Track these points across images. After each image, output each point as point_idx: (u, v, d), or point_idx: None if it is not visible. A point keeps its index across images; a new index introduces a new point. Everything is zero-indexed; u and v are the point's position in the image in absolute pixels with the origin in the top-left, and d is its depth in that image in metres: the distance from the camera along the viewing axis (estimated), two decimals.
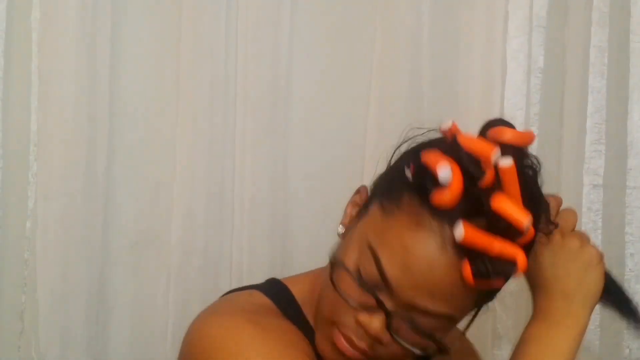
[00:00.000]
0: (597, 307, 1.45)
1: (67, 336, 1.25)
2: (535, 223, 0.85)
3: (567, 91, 1.48)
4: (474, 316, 0.93)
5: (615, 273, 1.49)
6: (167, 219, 1.30)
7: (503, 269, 0.81)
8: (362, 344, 0.87)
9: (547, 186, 1.49)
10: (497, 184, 0.82)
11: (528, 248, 0.85)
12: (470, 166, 0.81)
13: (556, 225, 0.92)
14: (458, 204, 0.81)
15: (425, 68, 1.39)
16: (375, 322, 0.86)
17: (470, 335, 1.27)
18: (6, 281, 1.23)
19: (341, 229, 0.94)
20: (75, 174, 1.23)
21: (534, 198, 0.87)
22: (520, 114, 1.44)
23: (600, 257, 0.94)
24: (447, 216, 0.81)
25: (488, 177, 0.81)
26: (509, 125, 0.87)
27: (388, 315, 0.85)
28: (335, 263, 0.88)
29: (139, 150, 1.28)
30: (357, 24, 1.36)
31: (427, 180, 0.82)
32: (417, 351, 0.87)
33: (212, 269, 1.30)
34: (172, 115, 1.29)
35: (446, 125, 0.87)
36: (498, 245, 0.81)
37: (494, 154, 0.81)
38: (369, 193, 0.94)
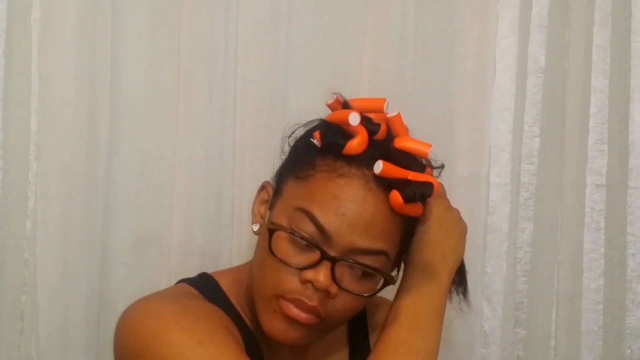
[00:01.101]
0: (601, 309, 1.48)
1: (67, 336, 1.25)
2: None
3: (568, 91, 1.48)
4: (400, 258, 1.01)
5: (617, 273, 1.51)
6: (167, 219, 1.30)
7: (424, 190, 0.92)
8: (313, 302, 0.91)
9: (549, 186, 1.50)
10: (391, 134, 0.97)
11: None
12: (368, 122, 0.94)
13: (442, 167, 1.05)
14: (367, 151, 0.92)
15: (415, 68, 1.39)
16: (321, 275, 0.91)
17: (458, 334, 1.29)
18: (6, 281, 1.22)
19: (256, 227, 1.01)
20: (75, 174, 1.23)
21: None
22: (509, 114, 1.43)
23: (466, 230, 1.07)
24: (362, 160, 0.92)
25: (383, 128, 0.95)
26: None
27: (333, 262, 0.91)
28: (272, 229, 0.93)
29: (139, 150, 1.28)
30: (349, 25, 1.36)
31: (337, 136, 0.93)
32: (364, 296, 0.93)
33: (211, 269, 1.29)
34: (172, 115, 1.29)
35: (331, 99, 1.00)
36: (412, 176, 0.92)
37: (386, 103, 0.97)
38: (275, 183, 1.02)
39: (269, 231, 0.94)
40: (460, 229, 1.05)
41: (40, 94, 1.21)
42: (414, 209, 0.93)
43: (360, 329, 1.12)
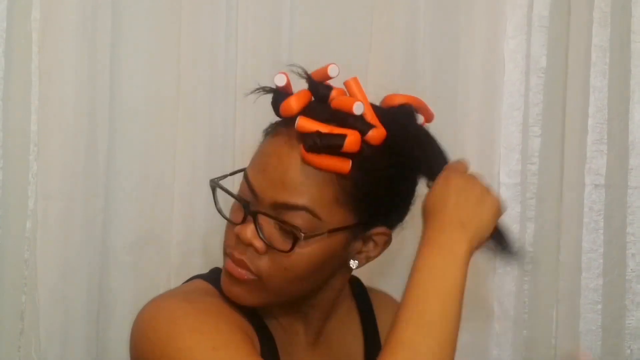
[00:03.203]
0: (600, 308, 1.49)
1: (67, 336, 1.25)
2: (392, 132, 0.95)
3: (568, 91, 1.48)
4: (361, 234, 0.98)
5: (616, 273, 1.51)
6: (167, 219, 1.30)
7: (331, 141, 0.90)
8: (242, 257, 0.94)
9: (550, 186, 1.50)
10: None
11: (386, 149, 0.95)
12: (317, 87, 0.97)
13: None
14: (304, 111, 0.94)
15: (422, 69, 1.39)
16: (247, 230, 0.94)
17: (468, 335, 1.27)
18: (6, 281, 1.23)
19: None
20: (75, 174, 1.23)
21: (394, 118, 0.98)
22: (518, 114, 1.44)
23: (499, 203, 0.98)
24: (295, 120, 0.92)
25: (336, 92, 0.97)
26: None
27: (254, 216, 0.93)
28: (213, 186, 1.00)
29: (139, 150, 1.28)
30: (354, 25, 1.36)
31: (277, 96, 0.98)
32: (285, 251, 0.93)
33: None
34: (172, 115, 1.29)
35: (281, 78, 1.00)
36: (333, 129, 0.91)
37: (330, 68, 0.98)
38: None
39: (211, 188, 1.00)
40: (488, 200, 0.96)
41: (40, 94, 1.22)
42: (332, 163, 0.91)
43: (372, 326, 1.13)
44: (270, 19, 1.31)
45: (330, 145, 0.90)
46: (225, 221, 0.99)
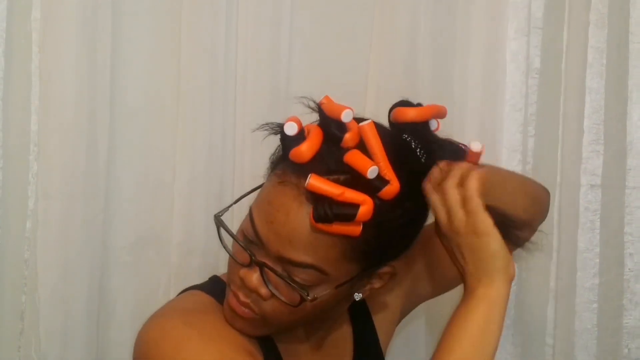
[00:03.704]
0: (597, 308, 1.50)
1: (67, 336, 1.24)
2: (405, 179, 0.89)
3: (564, 92, 1.49)
4: (367, 276, 0.96)
5: (614, 272, 1.51)
6: (167, 219, 1.30)
7: (343, 211, 0.86)
8: (246, 300, 0.93)
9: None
10: (362, 144, 0.90)
11: (399, 202, 0.89)
12: (331, 128, 0.90)
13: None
14: (315, 160, 0.88)
15: (423, 70, 1.39)
16: (253, 276, 0.92)
17: None
18: (6, 281, 1.22)
19: None
20: (75, 174, 1.23)
21: (405, 160, 0.91)
22: (520, 115, 1.45)
23: (491, 226, 0.90)
24: (305, 170, 0.87)
25: (350, 137, 0.89)
26: (411, 105, 0.95)
27: (260, 266, 0.91)
28: (217, 224, 0.96)
29: (139, 150, 1.28)
30: (355, 25, 1.37)
31: (287, 141, 0.90)
32: (292, 305, 0.92)
33: (211, 269, 1.30)
34: (172, 115, 1.29)
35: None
36: (347, 194, 0.86)
37: (344, 113, 0.88)
38: None
39: (216, 224, 0.97)
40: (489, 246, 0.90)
41: (40, 94, 1.21)
42: (342, 229, 0.87)
43: (368, 329, 1.13)
44: (270, 19, 1.31)
45: (341, 215, 0.86)
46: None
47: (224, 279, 1.03)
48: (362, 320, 1.12)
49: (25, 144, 1.22)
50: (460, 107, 1.43)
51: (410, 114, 0.94)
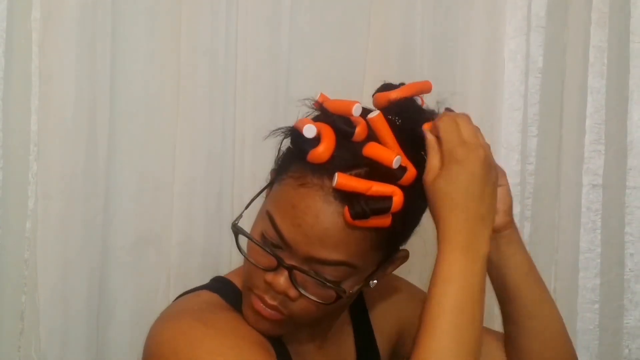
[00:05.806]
0: (597, 308, 1.49)
1: (67, 336, 1.25)
2: (418, 162, 0.90)
3: (566, 91, 1.49)
4: (386, 263, 0.96)
5: (614, 272, 1.51)
6: (167, 219, 1.30)
7: (378, 206, 0.87)
8: (274, 302, 0.93)
9: (547, 186, 1.50)
10: (372, 135, 0.91)
11: (415, 185, 0.90)
12: (340, 124, 0.90)
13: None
14: (334, 158, 0.88)
15: (421, 69, 1.39)
16: (281, 280, 0.91)
17: None
18: (6, 281, 1.23)
19: None
20: (75, 174, 1.23)
21: (414, 140, 0.92)
22: (518, 114, 1.44)
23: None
24: (326, 170, 0.88)
25: (360, 130, 0.90)
26: (394, 87, 0.98)
27: (289, 270, 0.90)
28: (236, 232, 0.95)
29: (139, 150, 1.28)
30: (353, 25, 1.37)
31: (303, 144, 0.89)
32: (325, 303, 0.92)
33: (211, 269, 1.30)
34: (172, 115, 1.29)
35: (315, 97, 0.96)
36: (375, 188, 0.87)
37: (354, 108, 0.90)
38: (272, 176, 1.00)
39: (234, 232, 0.96)
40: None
41: (40, 94, 1.22)
42: (376, 222, 0.88)
43: (363, 320, 1.13)
44: (270, 19, 1.31)
45: (378, 209, 0.87)
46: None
47: (231, 279, 1.03)
48: (361, 319, 1.13)
49: (25, 144, 1.22)
50: (459, 106, 1.42)
51: (392, 95, 0.96)
